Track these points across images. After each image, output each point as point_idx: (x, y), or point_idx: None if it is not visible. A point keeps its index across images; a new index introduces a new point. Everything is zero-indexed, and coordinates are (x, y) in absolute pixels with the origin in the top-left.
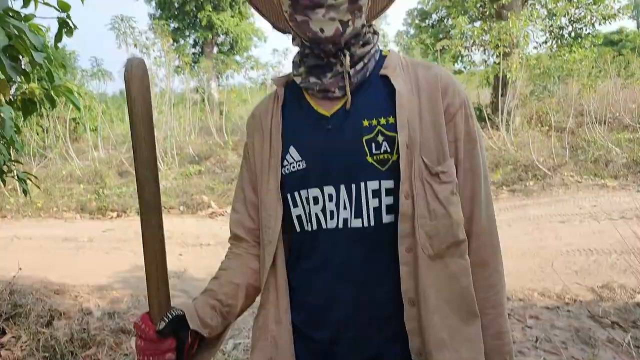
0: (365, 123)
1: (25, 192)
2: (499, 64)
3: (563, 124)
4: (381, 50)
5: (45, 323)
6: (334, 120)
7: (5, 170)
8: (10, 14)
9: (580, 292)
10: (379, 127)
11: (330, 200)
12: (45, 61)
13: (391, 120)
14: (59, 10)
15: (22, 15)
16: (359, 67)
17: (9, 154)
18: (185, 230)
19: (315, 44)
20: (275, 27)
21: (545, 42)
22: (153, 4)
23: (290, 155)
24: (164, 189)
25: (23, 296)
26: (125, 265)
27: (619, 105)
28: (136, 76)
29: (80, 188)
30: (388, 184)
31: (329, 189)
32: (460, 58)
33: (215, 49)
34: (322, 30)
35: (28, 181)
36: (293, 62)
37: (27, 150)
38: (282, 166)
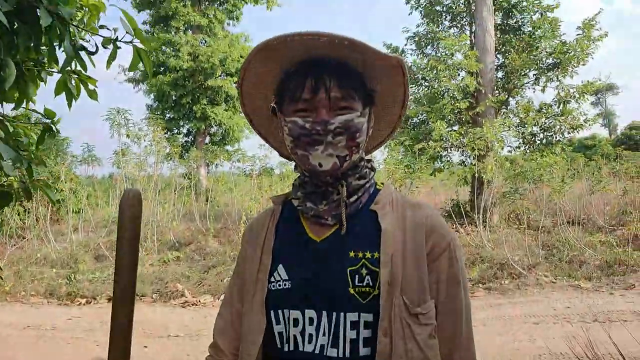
0: (352, 254)
1: None
2: (475, 165)
3: (539, 223)
4: (376, 183)
5: None
6: (322, 246)
7: None
8: None
9: None
10: (364, 260)
11: (311, 324)
12: (25, 157)
13: (376, 255)
14: (44, 117)
15: (12, 116)
16: (352, 199)
17: None
18: (154, 320)
19: (313, 175)
20: (280, 154)
21: (519, 147)
22: (152, 95)
23: (279, 273)
24: (139, 275)
25: None
26: (85, 357)
27: (592, 207)
28: (130, 206)
29: (52, 272)
30: (367, 317)
31: (310, 313)
32: (439, 158)
33: (208, 139)
34: (320, 165)
35: None
36: (293, 185)
37: (5, 229)
38: (269, 282)
